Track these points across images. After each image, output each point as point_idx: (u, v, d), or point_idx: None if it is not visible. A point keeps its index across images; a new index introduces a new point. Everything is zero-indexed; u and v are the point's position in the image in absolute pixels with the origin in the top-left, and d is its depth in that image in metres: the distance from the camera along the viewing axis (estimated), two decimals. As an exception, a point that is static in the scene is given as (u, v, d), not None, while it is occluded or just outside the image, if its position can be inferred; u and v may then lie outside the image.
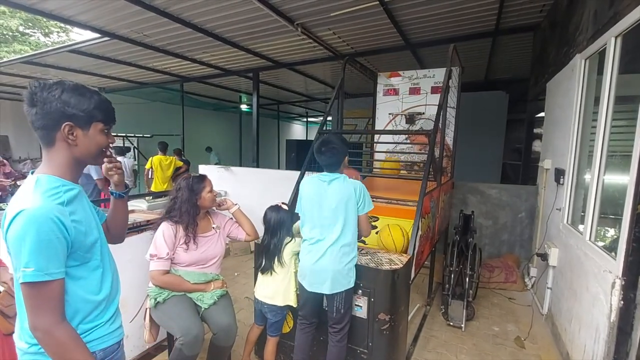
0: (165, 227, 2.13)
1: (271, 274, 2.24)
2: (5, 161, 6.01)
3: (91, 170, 4.76)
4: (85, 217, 1.11)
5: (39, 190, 1.02)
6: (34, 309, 0.98)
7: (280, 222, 2.25)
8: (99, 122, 1.12)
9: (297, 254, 2.23)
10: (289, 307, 2.28)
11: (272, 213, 2.28)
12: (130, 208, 3.37)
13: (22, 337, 1.08)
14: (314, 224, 2.08)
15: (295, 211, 2.25)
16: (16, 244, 0.96)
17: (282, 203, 2.36)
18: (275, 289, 2.24)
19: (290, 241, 2.27)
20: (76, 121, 1.07)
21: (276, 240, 2.24)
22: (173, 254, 2.12)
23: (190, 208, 2.14)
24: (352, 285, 2.02)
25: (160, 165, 6.51)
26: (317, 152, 2.08)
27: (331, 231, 2.00)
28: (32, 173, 1.09)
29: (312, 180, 2.14)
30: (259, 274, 2.31)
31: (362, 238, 2.59)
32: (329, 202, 2.02)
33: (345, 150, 2.09)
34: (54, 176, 1.07)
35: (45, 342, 1.00)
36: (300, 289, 2.18)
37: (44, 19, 13.96)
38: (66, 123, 1.05)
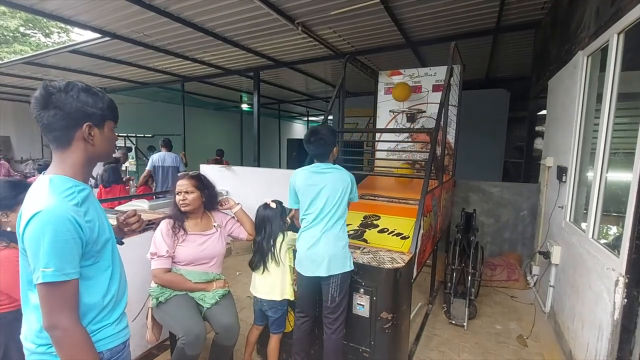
0: (163, 225, 2.16)
1: (264, 270, 2.26)
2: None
3: None
4: (97, 217, 1.12)
5: (55, 191, 1.02)
6: (53, 309, 0.99)
7: (267, 219, 2.29)
8: (111, 120, 1.15)
9: (291, 247, 2.30)
10: (287, 301, 2.29)
11: (263, 211, 2.33)
12: (131, 208, 3.38)
13: (29, 338, 1.09)
14: (310, 211, 2.11)
15: (287, 206, 2.29)
16: (34, 245, 0.97)
17: (272, 201, 2.37)
18: (272, 283, 2.25)
19: (283, 238, 2.29)
20: (94, 120, 1.09)
21: (265, 237, 2.27)
22: (173, 252, 2.13)
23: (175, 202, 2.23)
24: (348, 268, 2.04)
25: None
26: (306, 142, 2.15)
27: (328, 217, 2.05)
28: (43, 174, 1.10)
29: (304, 172, 2.18)
30: (253, 272, 2.33)
31: (364, 237, 2.59)
32: (328, 190, 2.06)
33: (333, 141, 2.14)
34: (66, 177, 1.07)
35: (63, 342, 1.00)
36: (298, 277, 2.19)
37: (44, 20, 13.98)
38: (87, 123, 1.07)
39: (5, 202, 1.57)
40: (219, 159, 9.04)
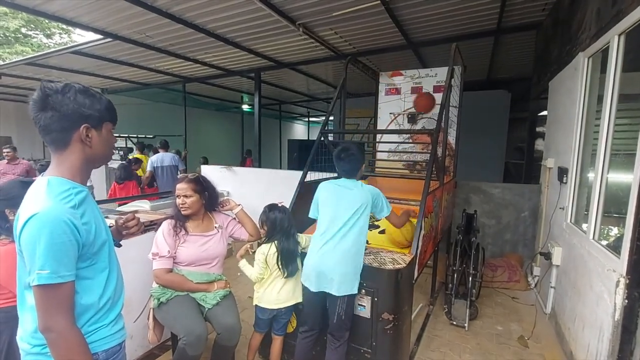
0: (165, 225, 2.16)
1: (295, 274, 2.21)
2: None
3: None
4: (94, 219, 1.12)
5: (51, 193, 1.02)
6: (48, 311, 0.99)
7: (289, 222, 2.23)
8: (108, 122, 1.15)
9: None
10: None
11: (279, 214, 2.23)
12: (133, 208, 3.39)
13: (24, 339, 1.09)
14: (327, 225, 2.10)
15: (309, 215, 2.28)
16: (30, 247, 0.97)
17: (281, 203, 2.33)
18: (290, 288, 2.21)
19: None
20: (91, 122, 1.09)
21: (292, 241, 2.21)
22: (175, 252, 2.14)
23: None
24: (354, 292, 2.02)
25: None
26: (336, 159, 2.20)
27: (344, 233, 2.03)
28: (42, 175, 1.10)
29: (329, 186, 2.23)
30: (270, 282, 2.21)
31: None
32: (347, 206, 2.08)
33: (362, 159, 2.22)
34: (64, 178, 1.08)
35: (57, 344, 1.01)
36: (304, 292, 2.18)
37: (46, 20, 14.02)
38: (84, 124, 1.07)
39: (15, 201, 1.61)
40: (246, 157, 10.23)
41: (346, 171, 2.19)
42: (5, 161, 5.86)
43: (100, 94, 1.13)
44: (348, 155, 2.15)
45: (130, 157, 7.26)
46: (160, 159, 6.17)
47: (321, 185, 2.27)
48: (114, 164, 6.55)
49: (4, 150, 5.84)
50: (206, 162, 8.07)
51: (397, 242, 2.51)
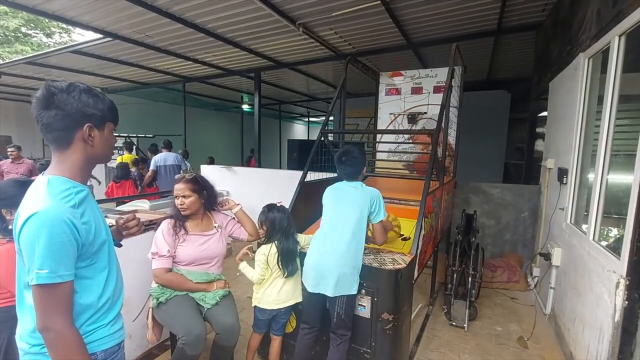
0: (165, 225, 2.16)
1: (295, 273, 2.20)
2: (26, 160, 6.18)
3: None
4: (94, 218, 1.11)
5: (51, 193, 1.02)
6: (46, 311, 0.99)
7: (289, 222, 2.22)
8: (110, 122, 1.15)
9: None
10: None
11: (278, 213, 2.22)
12: (132, 208, 3.38)
13: (23, 338, 1.09)
14: (328, 226, 2.12)
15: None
16: (29, 246, 0.97)
17: (279, 202, 2.33)
18: (290, 288, 2.20)
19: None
20: (94, 121, 1.09)
21: (292, 240, 2.21)
22: (174, 252, 2.13)
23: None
24: (353, 292, 2.02)
25: None
26: (337, 162, 2.23)
27: (343, 233, 2.04)
28: (43, 174, 1.10)
29: (332, 188, 2.27)
30: (270, 283, 2.20)
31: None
32: (345, 205, 2.11)
33: (364, 161, 2.25)
34: (64, 177, 1.07)
35: (55, 344, 1.00)
36: (303, 291, 2.18)
37: (46, 20, 14.02)
38: (87, 123, 1.07)
39: (12, 200, 1.62)
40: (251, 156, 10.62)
41: (348, 174, 2.21)
42: (9, 160, 5.89)
43: (103, 94, 1.13)
44: (349, 158, 2.18)
45: (119, 160, 7.21)
46: (163, 158, 6.26)
47: (326, 190, 2.30)
48: (114, 163, 6.58)
49: (9, 150, 5.89)
50: (212, 163, 8.11)
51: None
